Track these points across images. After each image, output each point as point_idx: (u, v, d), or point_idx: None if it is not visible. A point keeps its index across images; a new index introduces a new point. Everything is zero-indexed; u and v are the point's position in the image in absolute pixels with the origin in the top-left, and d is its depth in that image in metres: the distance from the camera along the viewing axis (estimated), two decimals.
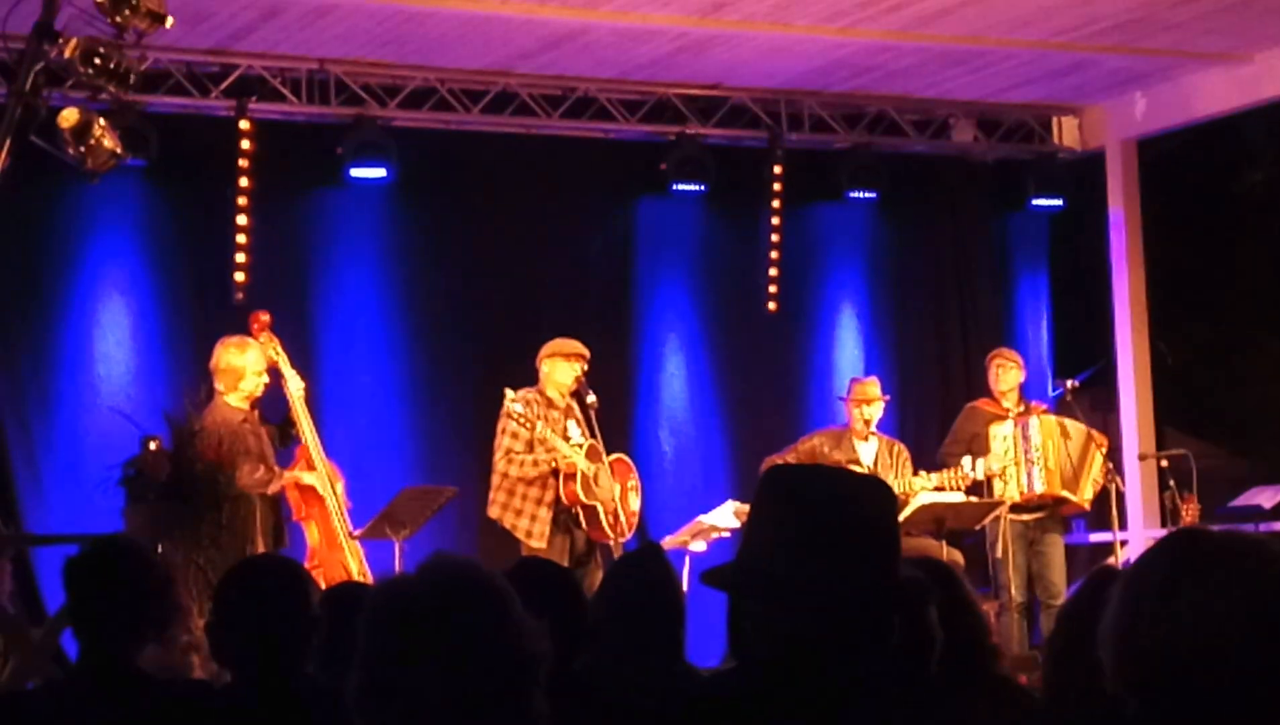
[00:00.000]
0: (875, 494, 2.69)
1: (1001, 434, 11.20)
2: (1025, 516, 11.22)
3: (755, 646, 2.64)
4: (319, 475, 9.63)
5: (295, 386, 9.77)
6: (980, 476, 11.09)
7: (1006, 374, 11.49)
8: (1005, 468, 11.09)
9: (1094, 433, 11.44)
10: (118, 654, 4.20)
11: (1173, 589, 2.01)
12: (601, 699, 4.09)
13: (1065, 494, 11.17)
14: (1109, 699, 2.17)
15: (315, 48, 11.23)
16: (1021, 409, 11.37)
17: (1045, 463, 11.10)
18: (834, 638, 2.58)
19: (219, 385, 9.42)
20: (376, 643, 2.56)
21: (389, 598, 2.61)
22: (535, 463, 10.02)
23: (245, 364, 9.44)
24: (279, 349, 9.79)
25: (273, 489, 9.33)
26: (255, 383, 9.47)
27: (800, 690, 2.58)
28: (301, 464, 9.66)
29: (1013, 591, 11.07)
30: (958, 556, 10.54)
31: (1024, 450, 11.13)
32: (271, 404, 9.73)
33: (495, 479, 10.18)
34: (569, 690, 3.77)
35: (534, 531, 10.03)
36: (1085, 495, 11.24)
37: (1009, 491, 11.08)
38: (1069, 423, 11.35)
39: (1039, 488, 11.11)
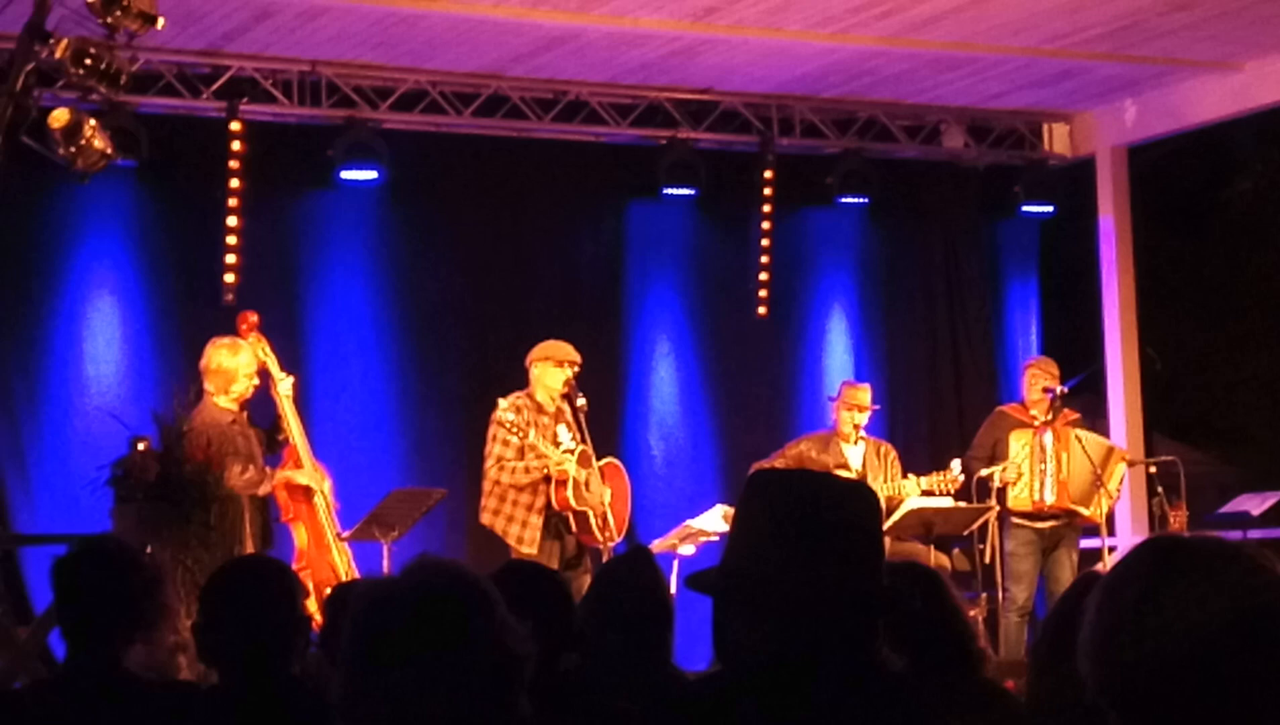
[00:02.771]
0: (859, 499, 2.71)
1: (1020, 442, 11.16)
2: (1041, 524, 11.18)
3: (740, 650, 2.65)
4: (308, 473, 9.62)
5: (284, 387, 9.76)
6: (997, 483, 11.03)
7: (1037, 382, 11.41)
8: (1020, 476, 11.06)
9: (1115, 447, 11.41)
10: (105, 654, 4.20)
11: (1152, 598, 2.00)
12: (589, 702, 4.10)
13: (1076, 507, 11.12)
14: (1091, 708, 2.17)
15: (307, 49, 11.23)
16: (1048, 418, 11.26)
17: (1058, 474, 11.07)
18: (818, 641, 2.59)
19: (209, 386, 9.41)
20: (361, 644, 2.56)
21: (374, 599, 2.61)
22: (527, 470, 9.98)
23: (237, 366, 9.43)
24: (267, 350, 9.78)
25: (263, 490, 9.33)
26: (246, 385, 9.47)
27: (785, 694, 2.59)
28: (290, 464, 9.65)
29: (1015, 594, 11.06)
30: (945, 561, 10.53)
31: (1039, 460, 11.10)
32: (260, 405, 9.72)
33: (486, 486, 10.12)
34: (554, 693, 3.77)
35: (525, 537, 9.99)
36: (1099, 510, 11.15)
37: (1021, 499, 11.07)
38: (1090, 436, 11.27)
39: (1049, 499, 11.08)
